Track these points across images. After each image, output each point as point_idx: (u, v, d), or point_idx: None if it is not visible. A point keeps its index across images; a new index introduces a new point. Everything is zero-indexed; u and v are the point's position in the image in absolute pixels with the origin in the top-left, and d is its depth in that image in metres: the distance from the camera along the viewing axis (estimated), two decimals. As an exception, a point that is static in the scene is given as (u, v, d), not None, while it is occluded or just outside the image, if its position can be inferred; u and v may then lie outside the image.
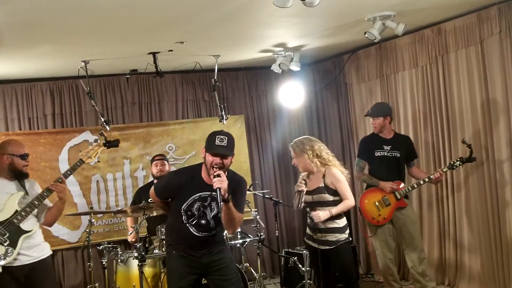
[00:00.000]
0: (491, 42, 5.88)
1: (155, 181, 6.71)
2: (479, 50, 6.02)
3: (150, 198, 6.52)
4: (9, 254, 4.49)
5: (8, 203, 4.63)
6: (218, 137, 4.17)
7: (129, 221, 6.72)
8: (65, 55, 6.15)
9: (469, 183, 6.33)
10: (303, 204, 5.20)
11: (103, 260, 6.17)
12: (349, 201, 5.14)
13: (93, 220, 6.38)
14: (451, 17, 6.22)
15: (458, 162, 5.85)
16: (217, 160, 4.15)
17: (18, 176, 4.79)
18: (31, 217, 4.70)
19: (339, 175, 5.17)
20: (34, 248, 4.68)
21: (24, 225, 4.63)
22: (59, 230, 7.22)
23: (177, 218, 4.42)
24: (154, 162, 6.73)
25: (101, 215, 7.39)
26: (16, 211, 4.61)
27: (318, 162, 5.18)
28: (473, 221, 6.31)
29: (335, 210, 5.12)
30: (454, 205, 6.54)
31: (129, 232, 6.38)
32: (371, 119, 6.27)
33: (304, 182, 5.17)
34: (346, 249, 5.18)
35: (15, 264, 4.53)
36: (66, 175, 4.90)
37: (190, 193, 4.35)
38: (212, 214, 4.38)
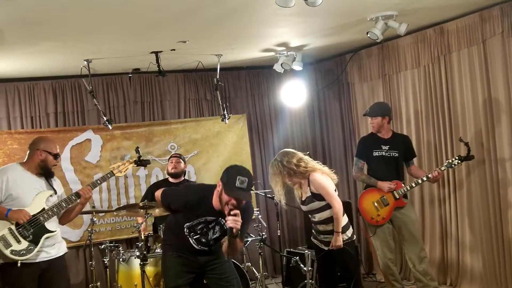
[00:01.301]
0: (494, 42, 5.87)
1: (169, 178, 6.73)
2: (481, 50, 6.01)
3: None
4: (30, 250, 4.55)
5: (36, 199, 4.68)
6: (239, 179, 4.05)
7: (139, 219, 6.70)
8: (67, 53, 6.15)
9: (471, 182, 6.32)
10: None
11: (105, 259, 6.19)
12: (336, 209, 5.06)
13: (95, 219, 6.38)
14: (453, 17, 6.21)
15: (456, 161, 5.84)
16: (234, 201, 4.10)
17: (46, 174, 4.83)
18: (54, 218, 4.76)
19: (320, 180, 5.09)
20: (53, 246, 4.75)
21: (48, 225, 4.69)
22: (60, 228, 7.18)
23: (178, 227, 4.42)
24: (170, 159, 6.75)
25: (103, 214, 7.39)
26: (44, 209, 4.67)
27: (292, 181, 5.16)
28: (475, 221, 6.30)
29: (337, 227, 5.08)
30: (456, 205, 6.53)
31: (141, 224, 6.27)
32: (369, 119, 6.27)
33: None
34: (349, 248, 5.17)
35: (31, 261, 4.58)
36: (96, 184, 5.02)
37: (197, 215, 4.33)
38: (214, 236, 4.39)
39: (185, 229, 4.37)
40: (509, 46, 5.73)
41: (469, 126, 6.25)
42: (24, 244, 4.53)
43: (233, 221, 4.02)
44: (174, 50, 6.39)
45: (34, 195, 4.68)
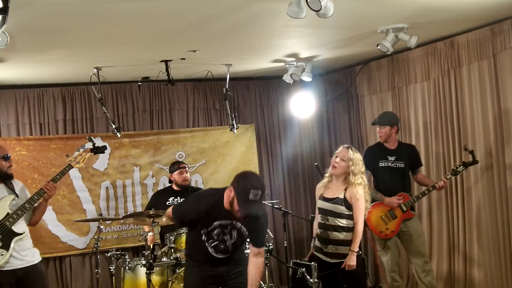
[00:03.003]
0: (504, 56, 5.85)
1: (173, 186, 6.69)
2: (492, 64, 5.99)
3: (167, 202, 6.53)
4: (3, 256, 4.60)
5: None
6: (252, 192, 3.99)
7: (146, 228, 6.69)
8: (77, 61, 6.17)
9: (480, 195, 6.28)
10: None
11: (111, 267, 6.17)
12: (359, 226, 5.12)
13: (101, 227, 6.37)
14: (464, 30, 6.19)
15: (461, 167, 5.83)
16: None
17: (4, 177, 4.88)
18: (21, 220, 4.81)
19: (360, 194, 5.14)
20: (25, 251, 4.81)
21: (16, 228, 4.75)
22: (67, 236, 7.22)
23: (196, 235, 4.39)
24: (180, 170, 6.66)
25: (109, 221, 7.38)
26: (8, 213, 4.72)
27: (341, 176, 5.21)
28: (483, 235, 6.27)
29: (354, 246, 5.11)
30: (464, 218, 6.49)
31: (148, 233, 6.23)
32: (377, 128, 6.26)
33: None
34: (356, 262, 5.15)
35: (6, 268, 4.65)
36: (56, 179, 5.01)
37: (211, 221, 4.29)
38: (232, 241, 4.35)
39: (203, 236, 4.33)
40: (520, 60, 5.71)
41: (478, 140, 6.22)
42: None
43: None
44: (184, 59, 6.40)
45: None
